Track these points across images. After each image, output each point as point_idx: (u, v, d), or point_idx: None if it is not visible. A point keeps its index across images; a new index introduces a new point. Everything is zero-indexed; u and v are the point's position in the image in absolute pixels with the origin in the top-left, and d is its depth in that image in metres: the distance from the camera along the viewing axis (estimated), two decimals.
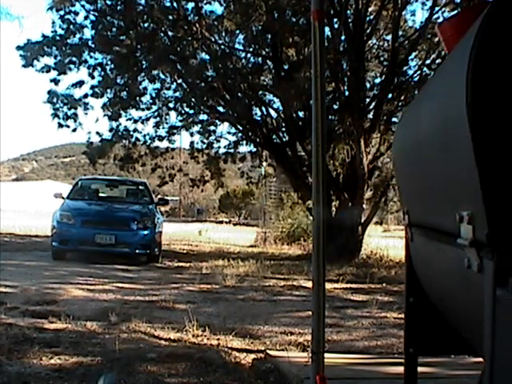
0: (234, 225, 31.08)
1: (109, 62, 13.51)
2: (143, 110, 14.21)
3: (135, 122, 14.32)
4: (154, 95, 14.14)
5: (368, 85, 13.06)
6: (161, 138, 14.80)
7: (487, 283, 1.03)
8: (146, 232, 10.32)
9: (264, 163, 17.26)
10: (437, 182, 1.34)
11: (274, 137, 13.62)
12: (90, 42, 13.28)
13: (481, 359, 1.17)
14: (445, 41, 1.67)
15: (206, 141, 14.99)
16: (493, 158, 0.98)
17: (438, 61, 12.17)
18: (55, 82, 13.37)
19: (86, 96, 13.57)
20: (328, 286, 6.77)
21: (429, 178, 1.42)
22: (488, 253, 1.03)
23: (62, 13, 13.03)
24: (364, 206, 11.98)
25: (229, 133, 15.03)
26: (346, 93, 11.91)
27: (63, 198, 11.10)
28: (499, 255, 1.00)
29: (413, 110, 1.76)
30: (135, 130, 14.41)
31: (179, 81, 13.58)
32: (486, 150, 0.98)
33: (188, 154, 16.53)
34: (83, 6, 13.04)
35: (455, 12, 11.60)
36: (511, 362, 0.95)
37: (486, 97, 0.98)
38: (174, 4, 12.68)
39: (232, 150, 15.07)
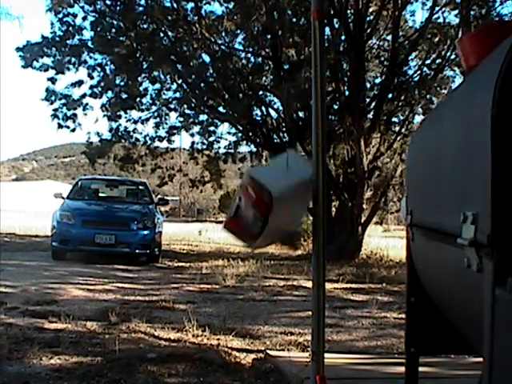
0: None
1: (108, 63, 13.53)
2: (143, 110, 14.23)
3: (135, 122, 14.34)
4: (154, 96, 14.16)
5: (368, 85, 13.06)
6: (161, 139, 14.81)
7: (486, 283, 1.04)
8: (146, 232, 10.31)
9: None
10: (447, 183, 1.38)
11: (274, 137, 13.62)
12: (89, 43, 13.30)
13: (481, 359, 1.17)
14: (463, 56, 1.68)
15: (206, 141, 15.01)
16: (506, 164, 1.03)
17: (438, 61, 12.18)
18: (52, 80, 13.38)
19: (84, 96, 13.58)
20: (328, 286, 6.77)
21: (440, 179, 1.45)
22: (487, 253, 1.04)
23: (60, 15, 13.05)
24: (364, 205, 11.97)
25: (229, 133, 15.05)
26: (346, 93, 11.92)
27: (63, 197, 11.09)
28: (498, 255, 1.01)
29: (433, 119, 1.79)
30: (135, 131, 14.43)
31: (179, 81, 13.59)
32: (501, 157, 1.04)
33: (188, 154, 16.53)
34: (82, 8, 13.06)
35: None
36: (510, 360, 0.96)
37: (509, 109, 1.04)
38: (174, 4, 12.68)
39: (232, 150, 15.08)
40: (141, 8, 12.77)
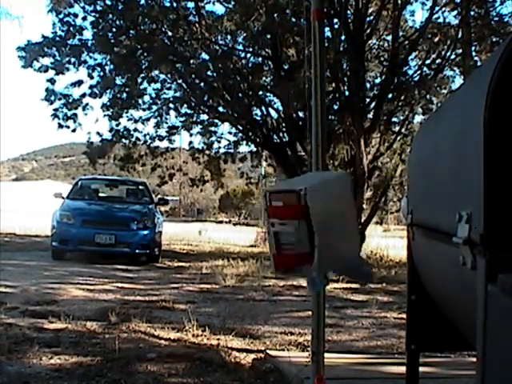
0: (234, 225, 31.04)
1: (108, 63, 13.52)
2: (144, 110, 14.23)
3: (135, 122, 14.33)
4: (153, 95, 14.16)
5: (368, 85, 13.05)
6: (161, 138, 14.81)
7: (479, 279, 1.07)
8: (146, 232, 10.31)
9: (264, 163, 17.26)
10: (444, 184, 1.40)
11: (274, 137, 13.62)
12: (89, 43, 13.30)
13: None
14: None
15: (206, 141, 15.01)
16: (498, 166, 1.06)
17: (437, 61, 12.19)
18: (52, 81, 13.38)
19: (84, 96, 13.57)
20: (328, 286, 6.77)
21: (438, 179, 1.47)
22: (480, 251, 1.08)
23: (61, 15, 13.06)
24: (364, 205, 11.96)
25: (229, 133, 15.05)
26: (346, 93, 11.91)
27: (63, 197, 11.09)
28: (491, 253, 1.04)
29: (433, 121, 1.81)
30: (135, 130, 14.42)
31: (179, 81, 13.58)
32: (494, 159, 1.07)
33: (190, 155, 16.52)
34: (83, 8, 13.06)
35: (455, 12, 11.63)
36: (502, 354, 0.98)
37: (501, 112, 1.06)
38: (174, 4, 12.68)
39: (232, 150, 15.08)
40: (141, 7, 12.76)
